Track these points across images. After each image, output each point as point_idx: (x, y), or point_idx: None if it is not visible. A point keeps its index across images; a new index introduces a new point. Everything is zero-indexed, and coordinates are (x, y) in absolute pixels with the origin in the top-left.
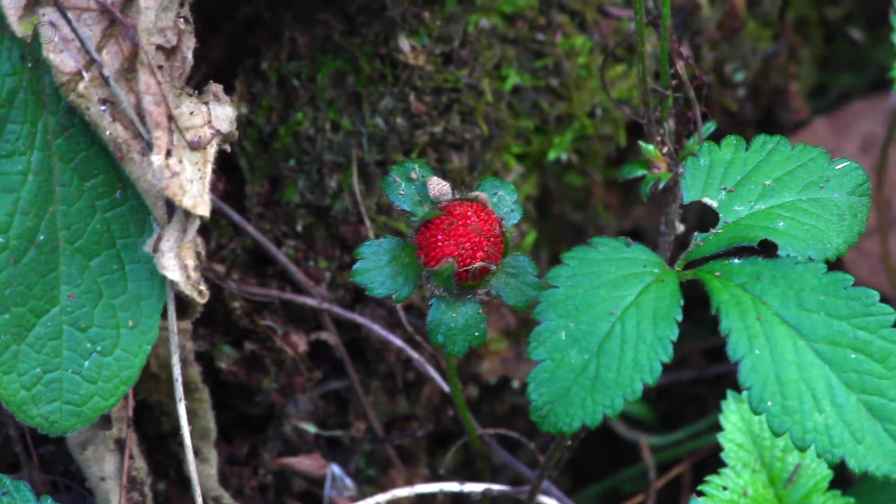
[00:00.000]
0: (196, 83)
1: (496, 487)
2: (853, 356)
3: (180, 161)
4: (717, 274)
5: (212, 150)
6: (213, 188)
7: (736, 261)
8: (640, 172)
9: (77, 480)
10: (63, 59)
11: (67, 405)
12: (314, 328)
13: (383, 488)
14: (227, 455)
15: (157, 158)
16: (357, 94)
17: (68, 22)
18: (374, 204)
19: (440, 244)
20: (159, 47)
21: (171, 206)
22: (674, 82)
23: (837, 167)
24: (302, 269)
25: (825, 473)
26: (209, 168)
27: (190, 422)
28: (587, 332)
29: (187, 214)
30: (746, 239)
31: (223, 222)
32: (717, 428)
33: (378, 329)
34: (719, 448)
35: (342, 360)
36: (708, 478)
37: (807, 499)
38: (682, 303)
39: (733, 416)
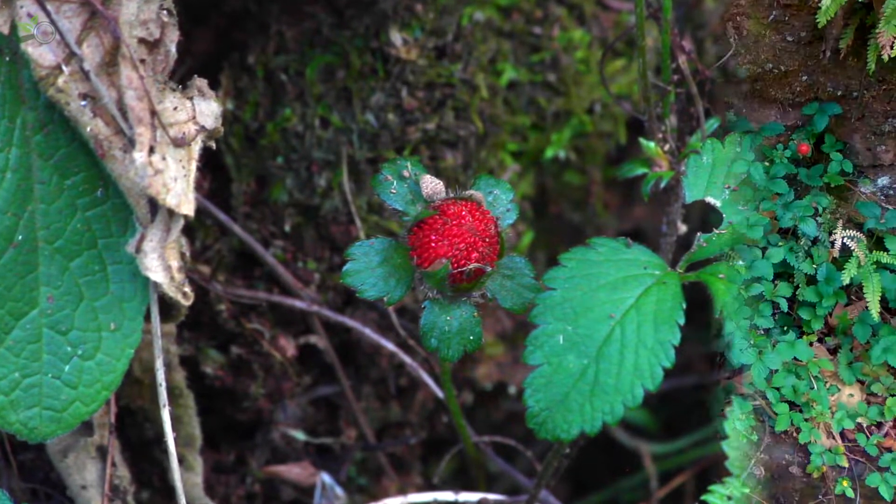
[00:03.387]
0: (180, 77)
1: (492, 497)
2: None
3: (164, 158)
4: (720, 276)
5: (196, 147)
6: (198, 186)
7: (740, 262)
8: (640, 171)
9: (58, 489)
10: (42, 53)
11: (47, 411)
12: (303, 332)
13: (375, 497)
14: (213, 463)
15: (139, 155)
16: (347, 89)
17: (47, 14)
18: (365, 203)
19: (433, 245)
20: (142, 40)
21: (154, 205)
22: (675, 77)
23: None
24: (290, 271)
25: None
26: (194, 165)
27: (174, 428)
28: (586, 335)
29: (171, 213)
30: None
31: (208, 222)
32: (721, 436)
33: (369, 333)
34: (723, 456)
35: (332, 365)
36: (711, 487)
37: None
38: (684, 305)
39: (738, 424)
